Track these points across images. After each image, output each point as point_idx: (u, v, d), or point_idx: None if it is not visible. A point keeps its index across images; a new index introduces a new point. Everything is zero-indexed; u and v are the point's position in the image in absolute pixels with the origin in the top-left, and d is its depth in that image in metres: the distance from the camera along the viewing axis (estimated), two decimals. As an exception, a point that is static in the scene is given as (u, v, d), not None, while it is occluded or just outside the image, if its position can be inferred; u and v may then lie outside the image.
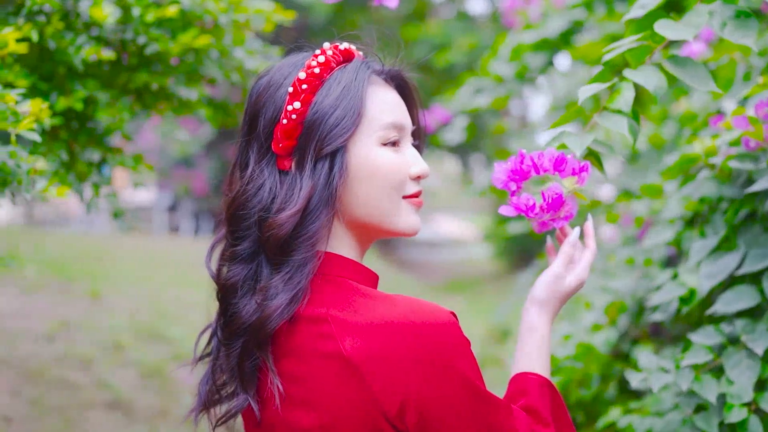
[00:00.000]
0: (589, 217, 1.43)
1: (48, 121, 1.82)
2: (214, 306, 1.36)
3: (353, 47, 1.39)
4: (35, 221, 13.76)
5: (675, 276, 1.90)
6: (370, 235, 1.38)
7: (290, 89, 1.31)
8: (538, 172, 1.35)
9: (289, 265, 1.26)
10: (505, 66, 3.82)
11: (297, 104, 1.29)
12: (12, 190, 1.69)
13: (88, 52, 2.01)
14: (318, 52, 1.34)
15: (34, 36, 1.93)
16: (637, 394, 2.29)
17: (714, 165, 1.77)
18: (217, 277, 1.34)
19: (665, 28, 1.45)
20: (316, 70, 1.31)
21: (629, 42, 1.51)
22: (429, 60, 8.73)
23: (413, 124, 1.41)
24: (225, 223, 1.35)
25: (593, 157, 1.48)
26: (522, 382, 1.39)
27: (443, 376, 1.21)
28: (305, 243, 1.27)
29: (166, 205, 15.14)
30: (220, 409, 1.35)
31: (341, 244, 1.34)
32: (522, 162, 1.36)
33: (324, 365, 1.22)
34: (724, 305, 1.64)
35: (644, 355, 1.79)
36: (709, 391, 1.54)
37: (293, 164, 1.30)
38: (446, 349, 1.22)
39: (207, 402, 1.36)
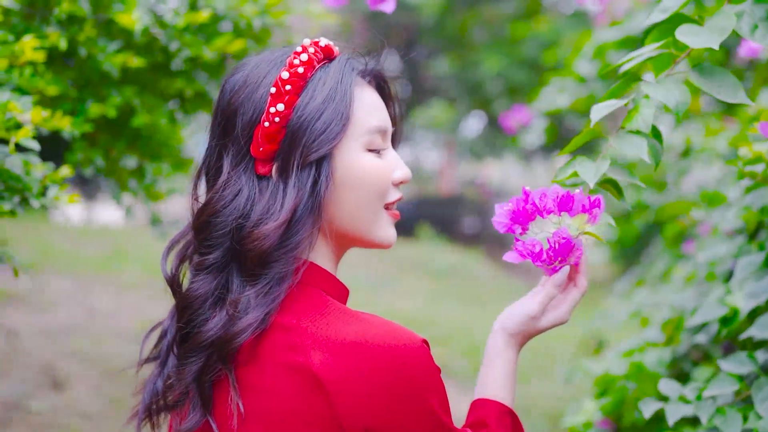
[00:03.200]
0: (584, 251, 1.25)
1: (69, 128, 1.82)
2: None
3: (332, 43, 1.30)
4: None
5: (728, 293, 1.72)
6: (348, 244, 1.30)
7: (272, 89, 1.22)
8: (542, 215, 1.21)
9: (267, 279, 1.18)
10: (587, 65, 3.64)
11: (280, 106, 1.21)
12: (22, 197, 1.68)
13: (117, 58, 2.00)
14: (299, 49, 1.26)
15: (63, 44, 1.93)
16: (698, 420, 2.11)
17: (755, 173, 1.57)
18: (177, 285, 1.27)
19: (687, 34, 1.27)
20: (300, 70, 1.23)
21: (650, 50, 1.34)
22: (538, 58, 8.53)
23: (392, 125, 1.33)
24: (194, 230, 1.26)
25: (610, 184, 1.32)
26: (482, 409, 1.32)
27: (411, 407, 1.14)
28: (287, 255, 1.19)
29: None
30: (162, 417, 1.29)
31: (318, 253, 1.26)
32: (526, 202, 1.22)
33: (288, 377, 1.15)
34: (760, 329, 1.46)
35: (665, 382, 1.62)
36: (732, 426, 1.36)
37: (274, 170, 1.22)
38: (417, 378, 1.15)
39: (150, 408, 1.29)
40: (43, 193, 1.71)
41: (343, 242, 1.29)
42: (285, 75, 1.22)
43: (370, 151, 1.26)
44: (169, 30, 2.08)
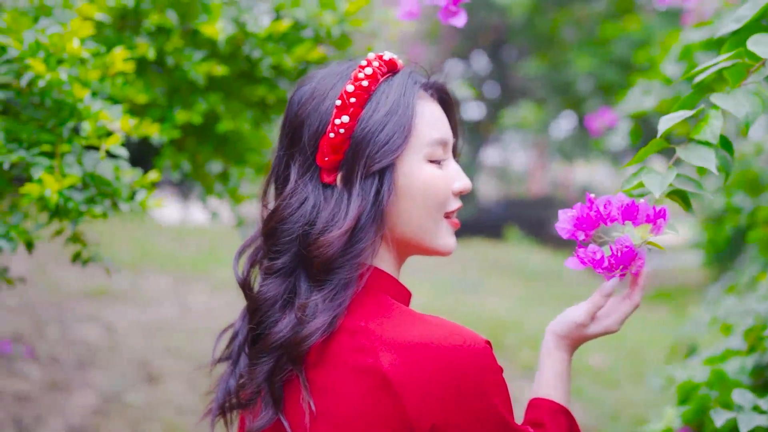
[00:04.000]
0: (645, 264, 1.24)
1: (157, 135, 1.92)
2: None
3: (396, 57, 1.33)
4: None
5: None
6: (409, 251, 1.34)
7: (338, 102, 1.26)
8: (605, 223, 1.22)
9: (332, 284, 1.23)
10: (674, 66, 3.57)
11: (345, 118, 1.25)
12: (112, 201, 1.78)
13: (202, 67, 2.09)
14: (364, 63, 1.30)
15: (151, 53, 2.04)
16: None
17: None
18: (249, 288, 1.32)
19: (758, 44, 1.24)
20: (364, 83, 1.27)
21: (723, 60, 1.31)
22: (629, 57, 8.37)
23: (453, 137, 1.36)
24: (263, 236, 1.31)
25: (678, 195, 1.30)
26: (536, 408, 1.34)
27: (475, 405, 1.17)
28: (352, 261, 1.23)
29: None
30: (234, 415, 1.35)
31: (381, 259, 1.30)
32: (590, 209, 1.22)
33: (357, 379, 1.19)
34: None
35: (739, 391, 1.59)
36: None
37: (339, 179, 1.26)
38: (481, 377, 1.18)
39: (223, 406, 1.35)
40: (132, 197, 1.80)
41: (405, 249, 1.32)
42: (350, 88, 1.26)
43: (431, 162, 1.29)
44: (251, 39, 2.16)
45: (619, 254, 1.19)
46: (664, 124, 1.27)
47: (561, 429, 1.31)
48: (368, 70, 1.28)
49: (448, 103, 1.37)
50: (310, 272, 1.25)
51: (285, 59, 2.15)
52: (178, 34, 2.12)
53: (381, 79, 1.29)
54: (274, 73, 2.28)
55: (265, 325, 1.27)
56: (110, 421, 4.09)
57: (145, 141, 2.10)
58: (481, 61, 15.83)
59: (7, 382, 4.21)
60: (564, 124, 14.84)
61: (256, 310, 1.28)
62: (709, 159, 1.24)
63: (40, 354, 4.61)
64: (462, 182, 1.32)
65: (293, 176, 1.28)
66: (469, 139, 16.02)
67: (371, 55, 1.31)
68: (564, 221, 1.25)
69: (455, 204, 1.32)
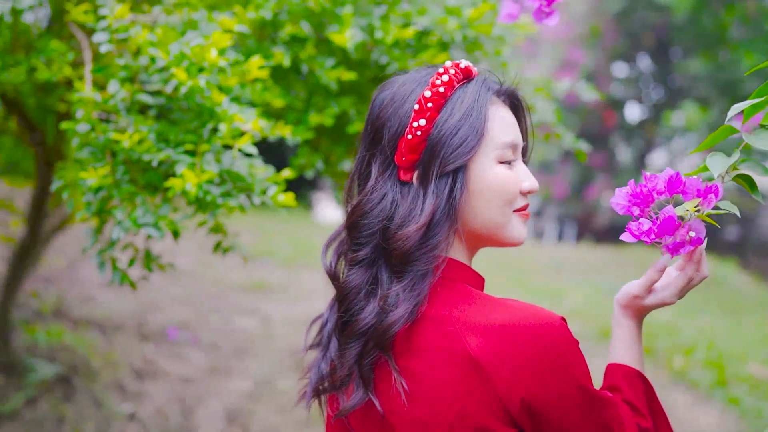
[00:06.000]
0: (701, 243, 1.31)
1: (290, 136, 2.09)
2: None
3: (472, 65, 1.44)
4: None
5: None
6: (481, 244, 1.44)
7: (416, 106, 1.38)
8: (653, 197, 1.28)
9: (411, 275, 1.34)
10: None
11: (422, 121, 1.37)
12: (246, 195, 1.97)
13: (333, 73, 2.26)
14: (441, 70, 1.41)
15: (286, 61, 2.22)
16: None
17: None
18: (336, 278, 1.45)
19: None
20: (441, 89, 1.38)
21: None
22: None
23: (523, 140, 1.45)
24: (346, 229, 1.44)
25: (743, 179, 1.33)
26: (612, 374, 1.45)
27: (557, 376, 1.27)
28: (428, 254, 1.34)
29: (531, 211, 15.49)
30: (326, 397, 1.48)
31: (455, 250, 1.41)
32: (644, 185, 1.30)
33: (448, 364, 1.29)
34: None
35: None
36: None
37: (415, 177, 1.38)
38: (560, 351, 1.27)
39: (316, 389, 1.48)
40: (264, 192, 1.98)
41: (477, 242, 1.43)
42: (427, 93, 1.37)
43: (502, 162, 1.39)
44: (380, 46, 2.30)
45: (660, 222, 1.26)
46: (733, 110, 1.31)
47: (636, 390, 1.40)
48: (445, 77, 1.39)
49: (519, 108, 1.47)
50: (390, 264, 1.37)
51: (409, 64, 2.28)
52: (311, 43, 2.30)
53: (457, 86, 1.40)
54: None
55: (351, 312, 1.39)
56: (262, 405, 4.36)
57: (282, 142, 2.29)
58: (644, 63, 15.38)
59: (173, 366, 4.57)
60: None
61: (344, 298, 1.41)
62: None
63: (203, 341, 4.97)
64: (530, 182, 1.41)
65: (374, 174, 1.41)
66: (632, 142, 15.61)
67: (448, 63, 1.42)
68: (619, 197, 1.33)
69: (522, 202, 1.41)
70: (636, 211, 1.31)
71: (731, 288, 9.89)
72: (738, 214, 1.26)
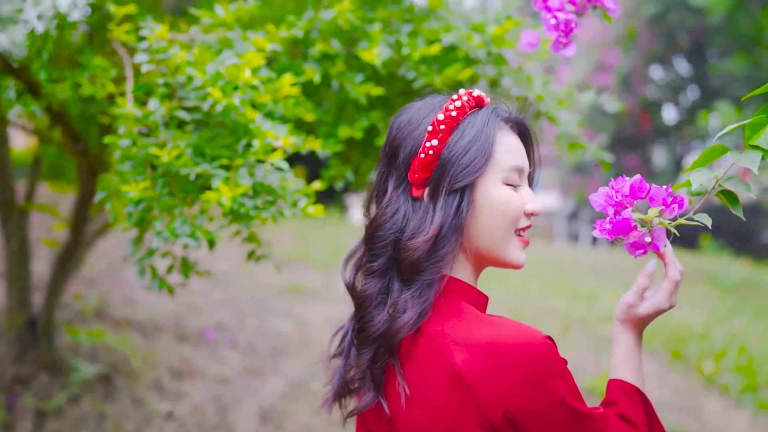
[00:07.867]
0: (668, 243, 1.40)
1: (320, 149, 2.19)
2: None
3: (484, 94, 1.54)
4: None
5: None
6: (484, 263, 1.53)
7: (429, 128, 1.49)
8: (619, 198, 1.37)
9: (419, 283, 1.45)
10: None
11: (435, 141, 1.47)
12: (278, 207, 2.07)
13: (361, 88, 2.35)
14: (455, 97, 1.52)
15: (317, 77, 2.32)
16: None
17: None
18: (353, 288, 1.56)
19: None
20: (453, 114, 1.49)
21: None
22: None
23: (530, 166, 1.55)
24: (364, 241, 1.55)
25: (725, 195, 1.41)
26: (610, 388, 1.50)
27: (538, 392, 1.35)
28: (435, 265, 1.45)
29: (567, 213, 15.42)
30: (348, 401, 1.58)
31: (459, 268, 1.51)
32: (610, 187, 1.39)
33: (439, 375, 1.40)
34: None
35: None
36: None
37: (426, 194, 1.48)
38: (541, 367, 1.36)
39: (338, 394, 1.58)
40: (295, 204, 2.08)
41: (480, 260, 1.52)
42: (440, 117, 1.48)
43: (507, 185, 1.49)
44: (407, 62, 2.40)
45: (615, 222, 1.35)
46: (724, 131, 1.40)
47: (634, 404, 1.46)
48: (457, 103, 1.50)
49: (527, 136, 1.57)
50: (400, 273, 1.47)
51: (435, 79, 2.37)
52: (341, 59, 2.40)
53: (468, 112, 1.51)
54: (430, 92, 2.50)
55: (366, 320, 1.50)
56: (296, 405, 4.47)
57: (313, 154, 2.39)
58: (680, 65, 15.28)
59: (210, 366, 4.71)
60: (770, 128, 13.98)
61: (359, 307, 1.52)
62: (753, 160, 1.35)
63: (240, 342, 5.10)
64: (533, 204, 1.51)
65: (389, 190, 1.51)
66: (668, 144, 15.49)
67: (462, 91, 1.53)
68: (598, 195, 1.42)
69: (525, 222, 1.51)
70: (611, 211, 1.39)
71: (766, 291, 9.82)
72: (710, 226, 1.35)
